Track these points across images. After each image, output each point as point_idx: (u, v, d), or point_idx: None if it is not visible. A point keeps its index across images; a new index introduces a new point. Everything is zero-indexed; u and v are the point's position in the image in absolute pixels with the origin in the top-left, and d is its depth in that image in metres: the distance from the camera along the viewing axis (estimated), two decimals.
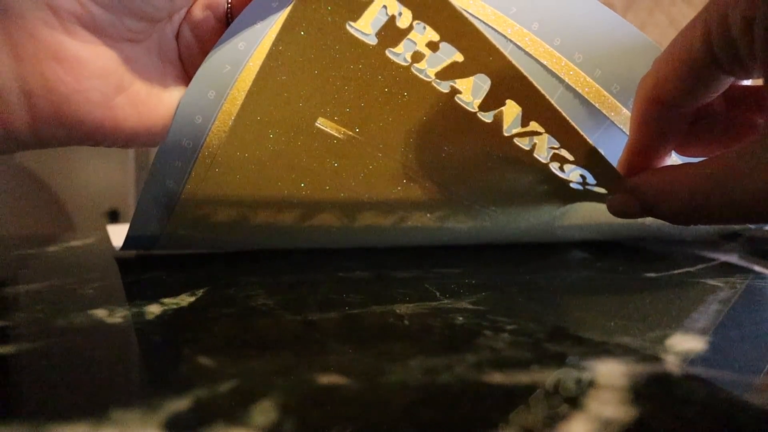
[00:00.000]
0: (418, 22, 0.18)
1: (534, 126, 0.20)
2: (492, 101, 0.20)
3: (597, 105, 0.25)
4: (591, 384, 0.14)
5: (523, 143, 0.22)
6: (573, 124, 0.19)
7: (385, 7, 0.19)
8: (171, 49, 0.23)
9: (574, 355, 0.16)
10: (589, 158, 0.20)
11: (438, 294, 0.22)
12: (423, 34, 0.19)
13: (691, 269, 0.28)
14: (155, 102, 0.22)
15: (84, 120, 0.19)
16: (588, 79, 0.24)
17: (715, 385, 0.14)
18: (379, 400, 0.13)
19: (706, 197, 0.17)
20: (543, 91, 0.19)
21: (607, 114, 0.25)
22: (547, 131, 0.20)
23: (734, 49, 0.16)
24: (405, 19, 0.18)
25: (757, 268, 0.29)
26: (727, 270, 0.28)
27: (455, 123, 0.22)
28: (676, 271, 0.27)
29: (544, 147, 0.22)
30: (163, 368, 0.16)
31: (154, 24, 0.20)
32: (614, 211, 0.21)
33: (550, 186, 0.24)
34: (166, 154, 0.23)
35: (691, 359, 0.16)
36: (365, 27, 0.19)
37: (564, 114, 0.19)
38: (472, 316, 0.20)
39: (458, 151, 0.23)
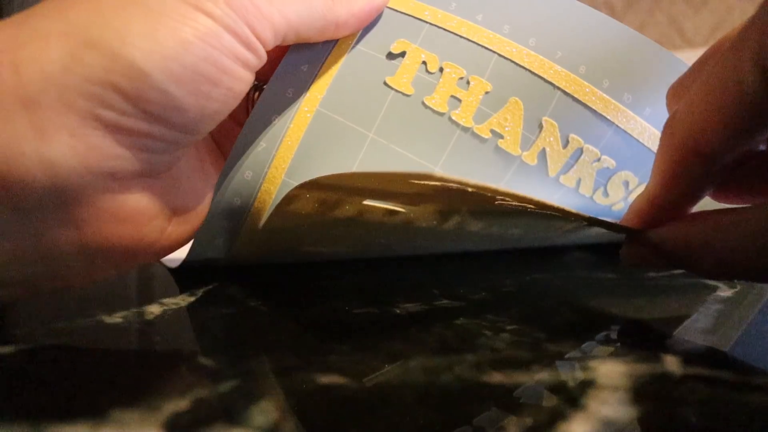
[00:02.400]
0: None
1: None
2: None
3: (601, 111, 0.24)
4: (591, 384, 0.14)
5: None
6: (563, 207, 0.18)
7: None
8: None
9: (574, 355, 0.16)
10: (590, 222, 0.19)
11: (438, 294, 0.22)
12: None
13: None
14: (200, 201, 0.20)
15: (142, 259, 0.19)
16: (592, 88, 0.23)
17: (715, 385, 0.14)
18: (379, 400, 0.13)
19: (749, 253, 0.15)
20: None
21: (612, 119, 0.24)
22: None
23: None
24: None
25: None
26: None
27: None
28: (676, 271, 0.27)
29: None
30: (163, 368, 0.16)
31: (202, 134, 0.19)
32: (631, 264, 0.19)
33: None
34: (203, 235, 0.22)
35: (691, 359, 0.16)
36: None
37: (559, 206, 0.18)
38: (472, 316, 0.20)
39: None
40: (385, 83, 0.21)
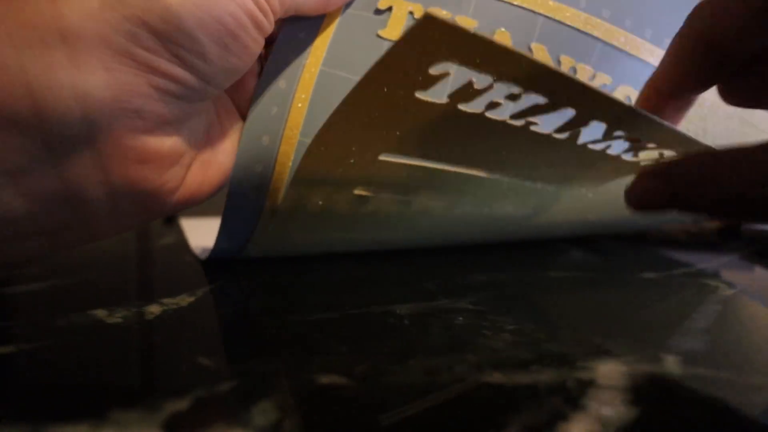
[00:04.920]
0: (500, 81, 0.16)
1: (616, 134, 0.19)
2: (573, 126, 0.19)
3: (584, 29, 0.25)
4: (591, 384, 0.14)
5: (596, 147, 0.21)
6: (657, 119, 0.18)
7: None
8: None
9: (574, 355, 0.16)
10: (674, 141, 0.20)
11: (438, 294, 0.22)
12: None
13: (691, 269, 0.28)
14: (216, 155, 0.21)
15: (163, 208, 0.19)
16: (571, 9, 0.25)
17: (715, 385, 0.14)
18: (379, 400, 0.13)
19: (750, 188, 0.14)
20: (632, 105, 0.17)
21: (597, 35, 0.25)
22: (630, 134, 0.19)
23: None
24: (484, 80, 0.16)
25: (757, 267, 0.29)
26: (727, 270, 0.28)
27: (525, 146, 0.21)
28: (675, 271, 0.27)
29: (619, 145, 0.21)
30: (163, 368, 0.16)
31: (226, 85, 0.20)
32: (635, 199, 0.17)
33: (595, 162, 0.24)
34: (231, 208, 0.23)
35: (691, 359, 0.16)
36: (437, 94, 0.18)
37: (650, 116, 0.18)
38: (472, 316, 0.20)
39: (519, 158, 0.23)
40: (378, 36, 0.23)
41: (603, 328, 0.19)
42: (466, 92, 0.17)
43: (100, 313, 0.19)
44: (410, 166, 0.23)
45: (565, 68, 0.24)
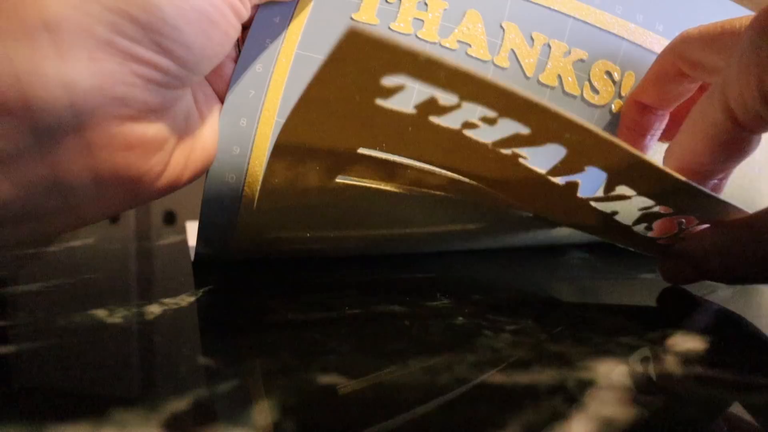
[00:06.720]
0: (465, 100, 0.15)
1: (622, 190, 0.19)
2: (566, 169, 0.18)
3: (555, 7, 0.25)
4: (591, 384, 0.14)
5: (602, 207, 0.20)
6: (670, 171, 0.17)
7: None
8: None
9: (574, 355, 0.16)
10: (692, 201, 0.19)
11: (438, 294, 0.22)
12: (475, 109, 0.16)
13: None
14: (198, 139, 0.22)
15: (148, 192, 0.20)
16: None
17: (715, 385, 0.14)
18: (379, 400, 0.13)
19: (738, 255, 0.19)
20: (633, 150, 0.16)
21: (567, 12, 0.26)
22: (639, 193, 0.19)
23: (756, 114, 0.18)
24: (450, 98, 0.15)
25: None
26: None
27: (518, 180, 0.21)
28: None
29: (630, 211, 0.20)
30: (163, 368, 0.16)
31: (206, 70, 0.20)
32: (668, 278, 0.22)
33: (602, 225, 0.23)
34: (210, 194, 0.23)
35: (691, 359, 0.16)
36: (399, 104, 0.16)
37: (660, 166, 0.17)
38: (472, 316, 0.20)
39: (517, 195, 0.22)
40: (352, 19, 0.23)
41: (603, 327, 0.19)
42: (432, 107, 0.16)
43: (100, 313, 0.19)
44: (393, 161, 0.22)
45: (538, 45, 0.25)
